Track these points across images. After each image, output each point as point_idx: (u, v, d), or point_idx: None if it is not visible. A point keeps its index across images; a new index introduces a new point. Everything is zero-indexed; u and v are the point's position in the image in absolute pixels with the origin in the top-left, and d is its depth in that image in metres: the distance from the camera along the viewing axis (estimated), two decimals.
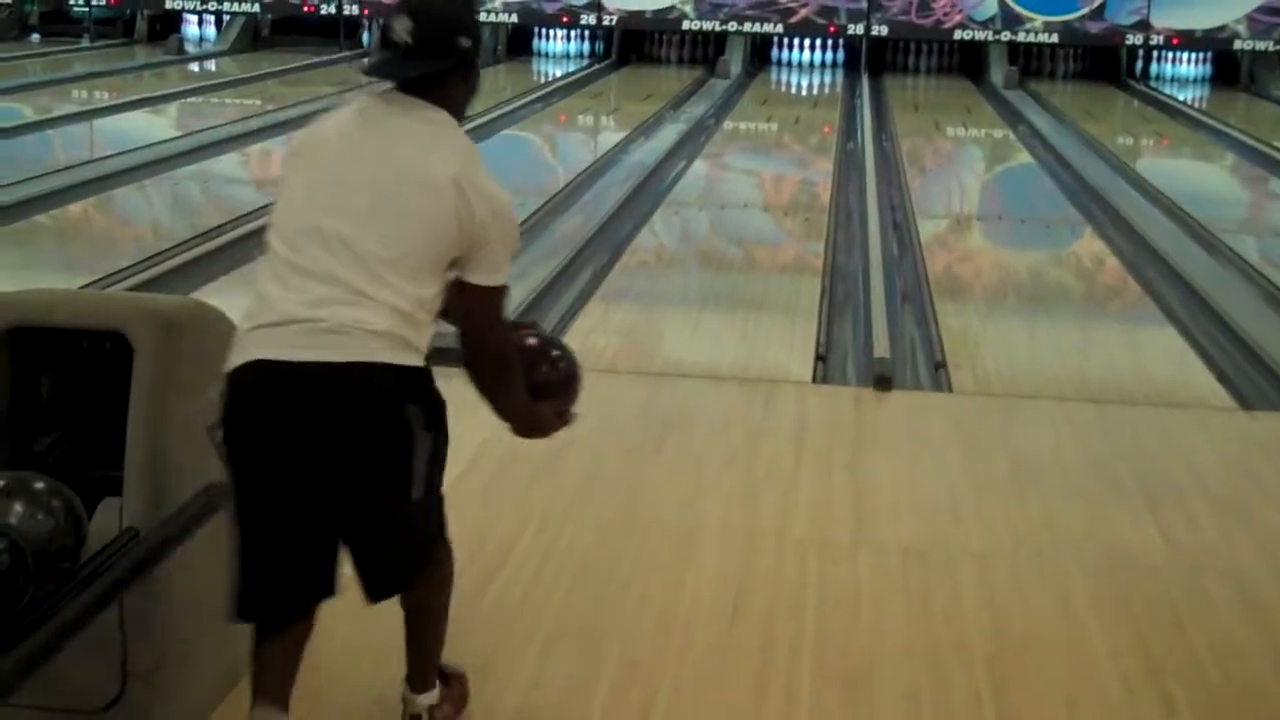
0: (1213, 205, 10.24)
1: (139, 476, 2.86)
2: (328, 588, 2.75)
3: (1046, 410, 5.44)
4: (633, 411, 5.23)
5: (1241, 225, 9.98)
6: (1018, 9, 17.73)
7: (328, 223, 2.65)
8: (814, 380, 5.83)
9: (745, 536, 4.14)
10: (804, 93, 17.24)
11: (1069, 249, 9.01)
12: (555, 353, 3.04)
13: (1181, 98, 17.02)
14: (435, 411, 2.74)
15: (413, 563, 2.83)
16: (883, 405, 5.46)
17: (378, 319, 2.60)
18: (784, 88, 17.39)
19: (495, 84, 17.53)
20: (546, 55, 19.26)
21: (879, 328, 6.42)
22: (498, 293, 2.73)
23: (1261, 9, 17.47)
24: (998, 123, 14.65)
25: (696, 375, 5.77)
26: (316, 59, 17.94)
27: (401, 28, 2.69)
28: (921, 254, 8.25)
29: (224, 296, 6.80)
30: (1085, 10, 17.66)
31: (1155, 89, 17.61)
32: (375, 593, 2.78)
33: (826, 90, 17.03)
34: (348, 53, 18.85)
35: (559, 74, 18.04)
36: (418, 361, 2.68)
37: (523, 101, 14.76)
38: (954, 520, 4.32)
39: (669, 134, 12.83)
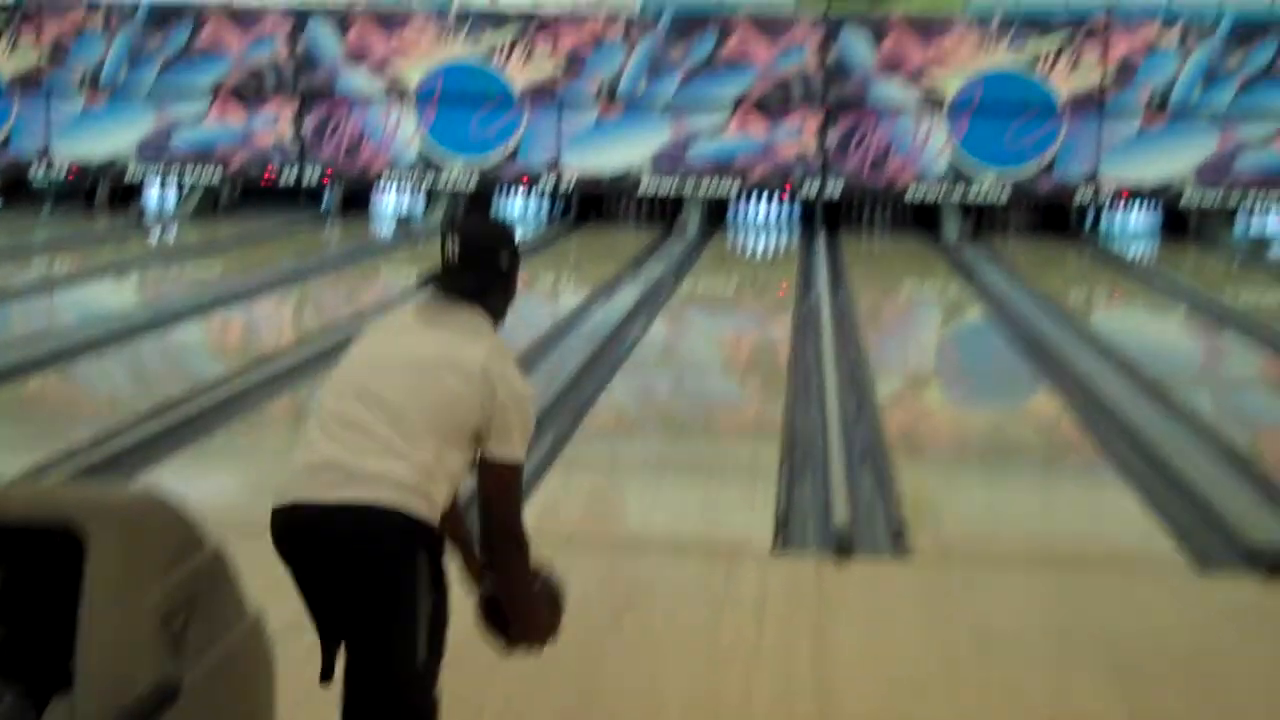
0: (1166, 359, 10.37)
1: (90, 674, 2.83)
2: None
3: (1007, 577, 5.44)
4: (593, 585, 5.20)
5: (1195, 379, 10.11)
6: (969, 167, 18.08)
7: (372, 385, 3.17)
8: (775, 547, 5.82)
9: (710, 716, 4.10)
10: (761, 252, 17.47)
11: (1025, 406, 9.08)
12: (544, 573, 3.39)
13: (1132, 251, 17.31)
14: (440, 572, 3.16)
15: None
16: (844, 574, 5.46)
17: (404, 471, 3.08)
18: (741, 247, 17.61)
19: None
20: (506, 217, 19.45)
21: (838, 491, 6.43)
22: (511, 469, 3.17)
23: (1207, 164, 17.86)
24: (952, 279, 14.85)
25: (657, 544, 5.76)
26: (278, 227, 18.08)
27: (451, 246, 3.33)
28: (879, 413, 8.30)
29: (184, 472, 6.81)
30: (1035, 167, 18.01)
31: (1106, 243, 17.91)
32: None
33: (783, 249, 17.26)
34: (309, 219, 19.01)
35: (518, 234, 18.18)
36: (432, 518, 3.12)
37: None
38: (917, 694, 4.29)
39: (628, 295, 12.94)
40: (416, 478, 3.08)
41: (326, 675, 3.19)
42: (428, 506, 3.10)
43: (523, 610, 3.32)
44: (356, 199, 19.59)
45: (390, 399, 3.13)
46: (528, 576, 3.29)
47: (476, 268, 3.33)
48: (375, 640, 3.11)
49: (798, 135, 18.25)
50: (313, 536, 3.12)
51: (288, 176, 18.98)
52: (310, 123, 18.86)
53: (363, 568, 3.07)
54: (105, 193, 19.57)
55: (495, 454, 3.16)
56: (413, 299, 3.35)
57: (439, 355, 3.19)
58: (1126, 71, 17.74)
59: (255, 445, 7.56)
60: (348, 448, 3.11)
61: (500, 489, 3.18)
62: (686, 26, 18.15)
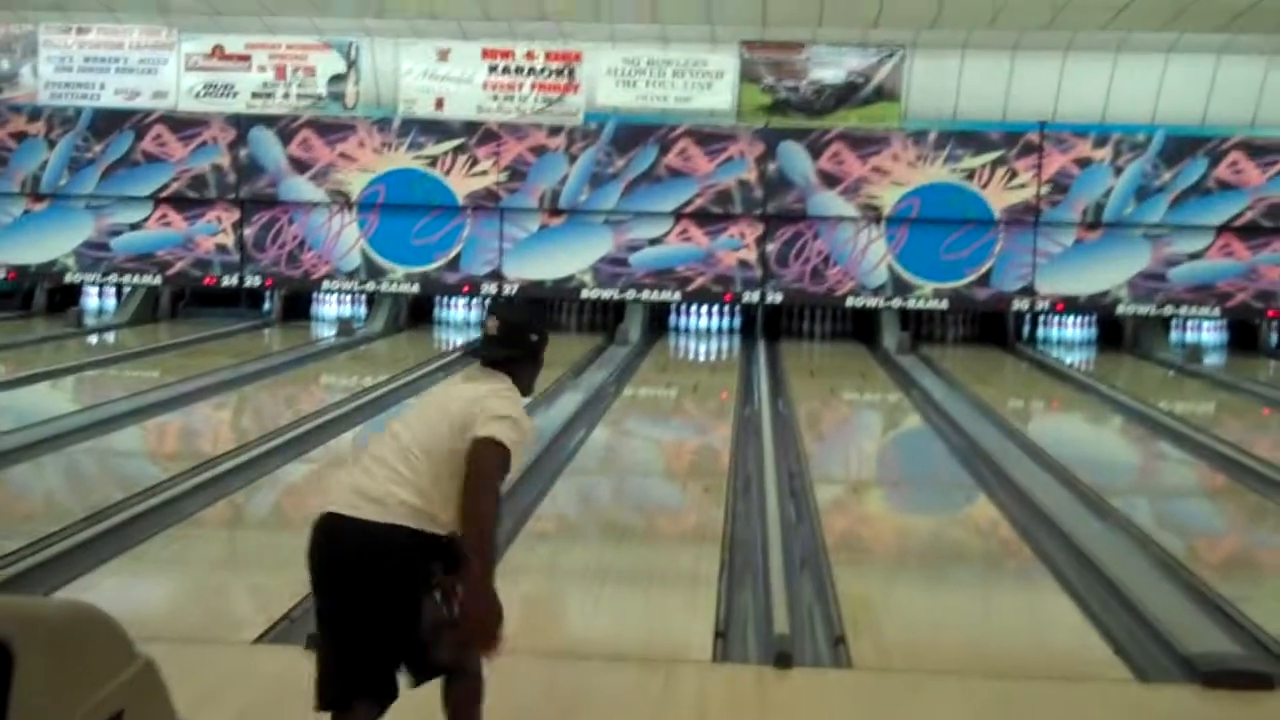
0: (1102, 469, 10.44)
1: None
2: (383, 692, 3.87)
3: (948, 687, 5.42)
4: (534, 693, 5.15)
5: (1131, 487, 10.17)
6: (907, 277, 18.28)
7: (398, 429, 4.01)
8: (715, 656, 5.78)
9: None
10: (702, 359, 17.55)
11: (964, 514, 9.11)
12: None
13: (1068, 361, 17.51)
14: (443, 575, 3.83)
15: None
16: (784, 684, 5.42)
17: (406, 494, 3.83)
18: (682, 354, 17.68)
19: (396, 352, 17.70)
20: (447, 324, 19.50)
21: (778, 599, 6.40)
22: (486, 444, 3.82)
23: (1142, 274, 18.15)
24: (891, 387, 14.96)
25: (598, 652, 5.71)
26: (217, 331, 18.01)
27: (491, 325, 4.16)
28: (819, 520, 8.29)
29: (118, 579, 6.70)
30: (973, 277, 18.24)
31: (1043, 352, 18.12)
32: (416, 676, 3.96)
33: (724, 356, 17.34)
34: (249, 324, 18.97)
35: (459, 342, 18.24)
36: (438, 530, 3.84)
37: (424, 370, 14.84)
38: None
39: (569, 401, 12.93)
40: (418, 501, 3.82)
41: (324, 703, 3.87)
42: (429, 522, 3.82)
43: (476, 600, 3.80)
44: (298, 305, 19.58)
45: (403, 437, 3.94)
46: (487, 559, 3.80)
47: (509, 344, 4.12)
48: (377, 627, 3.80)
49: (739, 244, 18.42)
50: (334, 541, 3.86)
51: (229, 282, 18.94)
52: (252, 229, 18.86)
53: (368, 569, 3.79)
54: (43, 295, 19.45)
55: (474, 434, 3.85)
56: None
57: (453, 399, 3.99)
58: (1060, 186, 18.05)
59: (189, 552, 7.46)
60: (370, 476, 3.90)
61: (474, 462, 3.81)
62: (629, 138, 18.36)
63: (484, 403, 3.92)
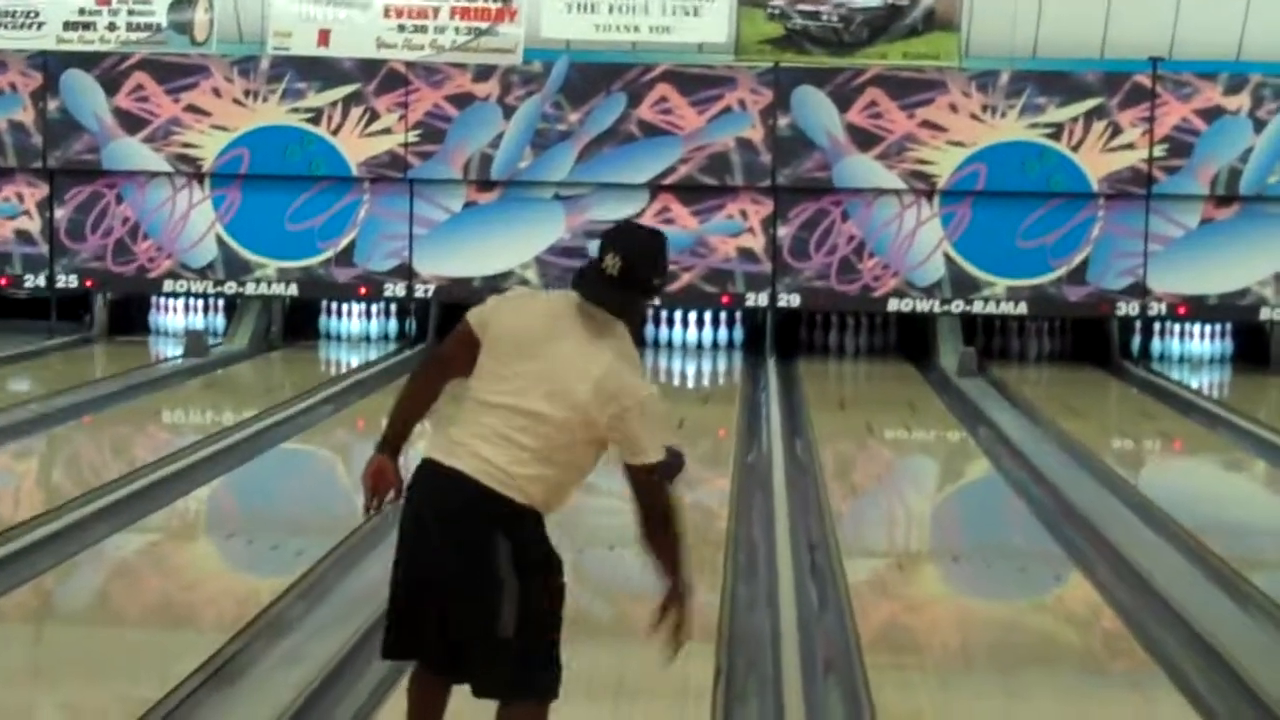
0: (1240, 535, 10.47)
1: None
2: (451, 667, 5.07)
3: None
4: None
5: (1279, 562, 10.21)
6: (972, 270, 18.35)
7: (516, 388, 4.94)
8: None
9: None
10: (691, 384, 17.54)
11: (1052, 599, 9.12)
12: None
13: (1195, 385, 17.57)
14: (530, 559, 4.95)
15: (504, 685, 4.99)
16: None
17: (500, 458, 4.88)
18: (665, 378, 17.67)
19: (269, 379, 17.66)
20: (338, 339, 19.49)
21: (794, 714, 6.40)
22: (650, 470, 4.90)
23: None
24: (951, 423, 14.99)
25: None
26: (17, 351, 17.94)
27: (612, 263, 4.89)
28: (850, 608, 8.30)
29: None
30: (1062, 271, 18.31)
31: (1159, 373, 18.17)
32: (476, 689, 5.07)
33: (721, 380, 17.34)
34: (64, 340, 18.89)
35: (355, 363, 18.21)
36: (524, 501, 4.91)
37: (306, 403, 14.81)
38: None
39: None
40: (513, 466, 4.87)
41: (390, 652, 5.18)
42: (518, 493, 4.88)
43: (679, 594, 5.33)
44: (130, 314, 19.51)
45: (512, 402, 4.91)
46: (678, 563, 5.21)
47: (633, 286, 4.93)
48: (464, 601, 4.93)
49: (739, 228, 18.46)
50: (439, 485, 4.97)
51: (34, 282, 18.88)
52: (65, 210, 18.82)
53: (455, 529, 4.92)
54: None
55: (631, 460, 4.91)
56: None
57: (592, 361, 4.87)
58: (1180, 146, 18.13)
59: None
60: (473, 433, 4.95)
61: (649, 491, 4.96)
62: (586, 83, 18.42)
63: (626, 382, 4.87)
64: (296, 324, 19.55)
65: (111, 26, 18.21)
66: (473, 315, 5.09)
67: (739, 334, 19.08)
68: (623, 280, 4.87)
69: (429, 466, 4.99)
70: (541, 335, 4.92)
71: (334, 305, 19.52)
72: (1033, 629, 8.48)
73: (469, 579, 4.88)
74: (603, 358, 4.85)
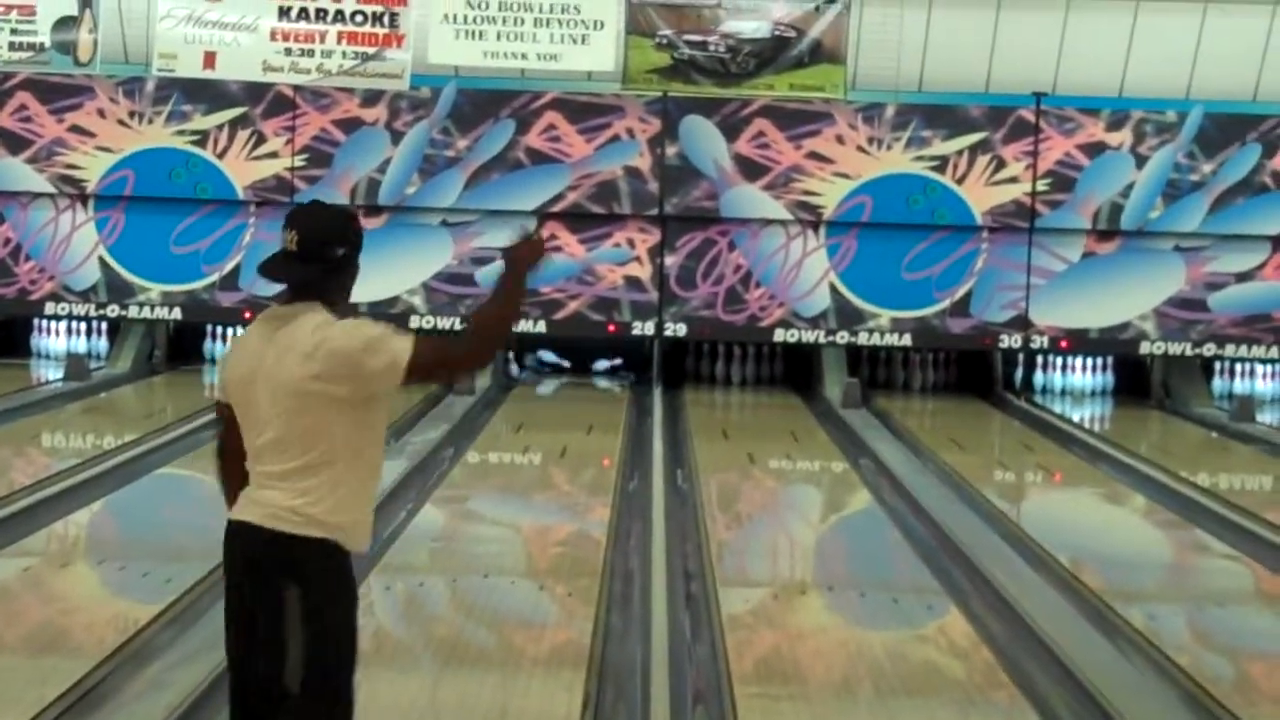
0: (1118, 568, 10.54)
1: None
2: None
3: None
4: None
5: (1158, 594, 10.26)
6: (857, 302, 18.40)
7: (250, 435, 4.84)
8: None
9: None
10: (575, 413, 17.49)
11: (929, 631, 9.12)
12: None
13: (1076, 418, 17.69)
14: (317, 602, 4.71)
15: None
16: None
17: (281, 497, 4.76)
18: (547, 407, 17.62)
19: (150, 404, 17.50)
20: None
21: None
22: (412, 354, 4.69)
23: (1174, 301, 18.39)
24: (834, 453, 15.02)
25: None
26: None
27: (289, 238, 4.85)
28: (724, 638, 8.27)
29: None
30: (946, 303, 18.40)
31: (1041, 406, 18.29)
32: None
33: (606, 409, 17.31)
34: None
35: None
36: (317, 535, 4.73)
37: (187, 428, 14.65)
38: None
39: (390, 470, 12.81)
40: (284, 500, 4.74)
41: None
42: (314, 528, 4.72)
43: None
44: (10, 336, 19.31)
45: (258, 443, 4.80)
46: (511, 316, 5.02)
47: (312, 259, 4.83)
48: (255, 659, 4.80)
49: (626, 256, 18.46)
50: (231, 549, 4.94)
51: None
52: None
53: (251, 585, 4.84)
54: None
55: (392, 365, 4.70)
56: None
57: (280, 363, 4.72)
58: (1063, 181, 18.27)
59: None
60: (253, 483, 4.86)
61: (430, 369, 4.82)
62: (474, 109, 18.41)
63: (330, 333, 4.72)
64: (181, 348, 19.39)
65: None
66: (217, 390, 5.08)
67: (624, 361, 19.02)
68: (301, 254, 4.83)
69: (228, 527, 4.94)
70: (253, 361, 4.81)
71: (218, 329, 19.35)
72: (911, 661, 8.47)
73: (262, 639, 4.76)
74: (301, 335, 4.73)
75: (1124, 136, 18.26)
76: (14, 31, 17.94)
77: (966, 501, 12.48)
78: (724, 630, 8.43)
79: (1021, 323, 18.43)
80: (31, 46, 17.93)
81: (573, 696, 7.17)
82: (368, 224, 18.28)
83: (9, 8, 17.89)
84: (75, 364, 17.93)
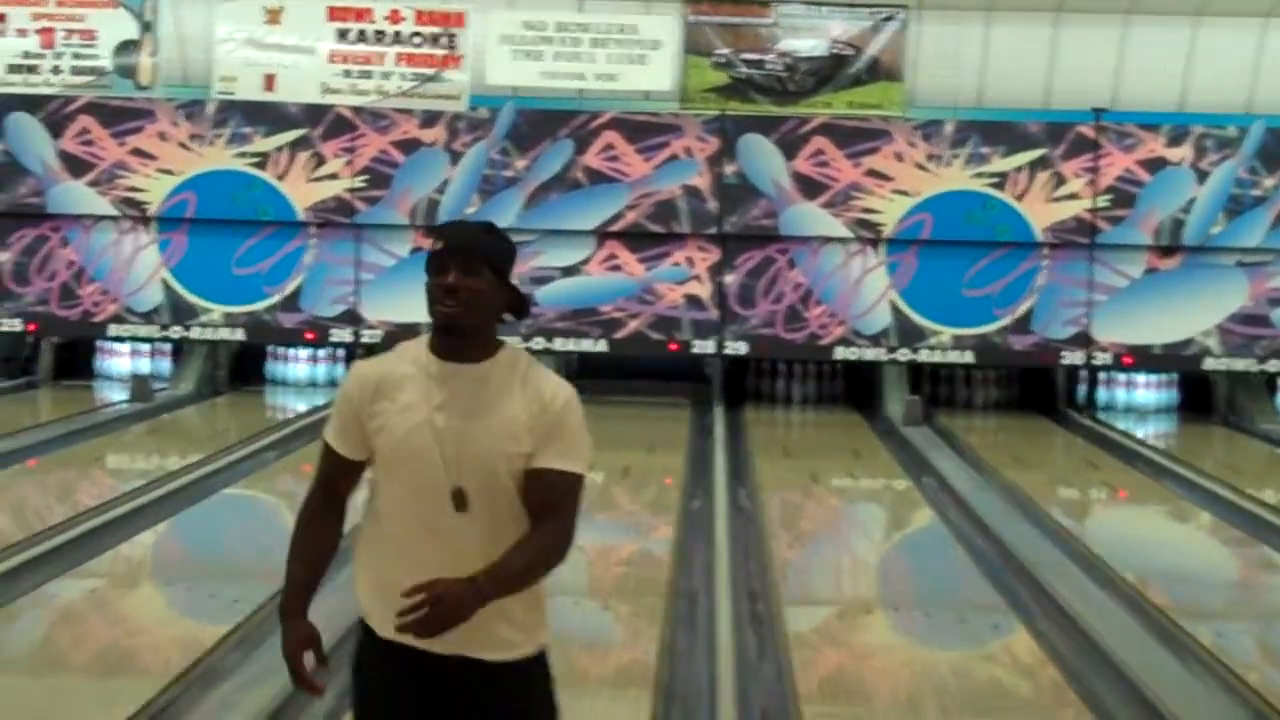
0: (1181, 585, 10.50)
1: None
2: None
3: None
4: None
5: (1225, 612, 10.21)
6: (918, 320, 18.38)
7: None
8: None
9: None
10: (636, 432, 17.47)
11: (994, 650, 9.11)
12: None
13: (1140, 434, 17.60)
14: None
15: None
16: None
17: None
18: (610, 423, 17.64)
19: (214, 424, 17.59)
20: (283, 384, 19.41)
21: None
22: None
23: (1237, 317, 18.30)
24: (896, 472, 15.00)
25: None
26: None
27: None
28: (790, 658, 8.28)
29: None
30: (1007, 320, 18.35)
31: (1104, 423, 18.21)
32: None
33: (666, 428, 17.31)
34: (7, 384, 18.82)
35: (301, 409, 18.13)
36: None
37: (250, 449, 14.75)
38: None
39: None
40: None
41: None
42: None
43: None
44: (75, 358, 19.43)
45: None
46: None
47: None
48: None
49: (686, 275, 18.48)
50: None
51: None
52: (9, 253, 18.74)
53: None
54: None
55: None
56: None
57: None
58: (1124, 197, 18.21)
59: None
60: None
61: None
62: (533, 129, 18.44)
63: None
64: (242, 369, 19.47)
65: (56, 70, 18.15)
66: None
67: (688, 380, 19.01)
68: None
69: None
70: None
71: (280, 350, 19.45)
72: (973, 680, 8.46)
73: None
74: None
75: (1185, 152, 18.19)
76: (76, 56, 18.14)
77: (1031, 519, 12.45)
78: (790, 649, 8.45)
79: (1084, 339, 18.38)
80: (93, 70, 18.12)
81: (639, 716, 7.19)
82: (427, 244, 18.35)
83: (70, 33, 18.08)
84: (139, 385, 18.02)
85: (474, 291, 4.31)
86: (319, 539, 4.60)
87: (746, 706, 7.32)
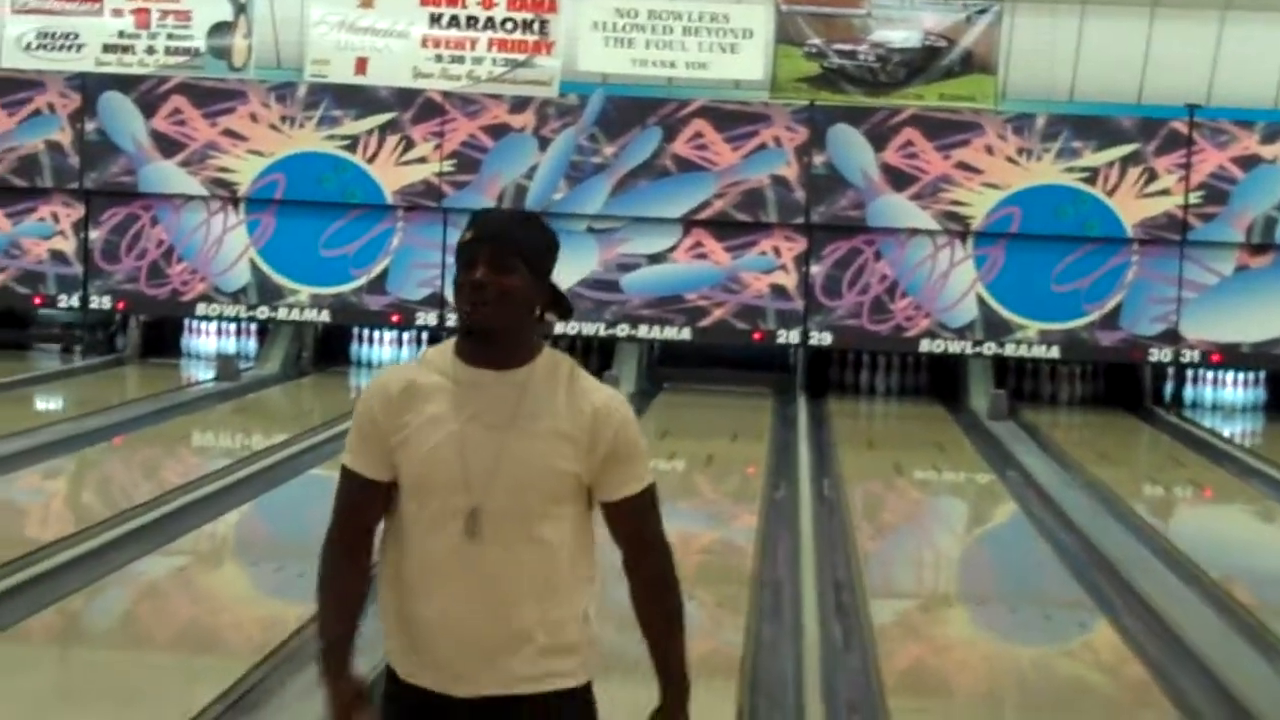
0: (1268, 585, 10.44)
1: None
2: None
3: None
4: None
5: None
6: (1004, 314, 18.33)
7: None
8: None
9: None
10: (719, 421, 17.50)
11: (1079, 645, 9.12)
12: None
13: (1226, 433, 17.52)
14: None
15: None
16: None
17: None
18: (692, 411, 17.67)
19: (299, 404, 17.71)
20: (367, 366, 19.52)
21: None
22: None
23: None
24: (980, 465, 14.97)
25: None
26: (49, 372, 17.98)
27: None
28: (876, 649, 8.31)
29: None
30: (1095, 315, 18.28)
31: (1191, 420, 18.12)
32: None
33: (749, 417, 17.33)
34: (94, 362, 19.01)
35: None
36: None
37: (336, 429, 14.80)
38: None
39: None
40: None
41: None
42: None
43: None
44: (162, 336, 19.59)
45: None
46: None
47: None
48: None
49: (772, 265, 18.49)
50: None
51: (67, 303, 18.98)
52: (100, 231, 18.92)
53: None
54: None
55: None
56: None
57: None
58: (1216, 194, 18.11)
59: (13, 671, 7.45)
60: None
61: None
62: (622, 117, 18.46)
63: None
64: (327, 350, 19.59)
65: (150, 50, 18.32)
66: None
67: (771, 369, 19.03)
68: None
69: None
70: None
71: (365, 332, 19.58)
72: (1060, 676, 8.47)
73: None
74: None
75: (1279, 150, 18.08)
76: (170, 36, 18.31)
77: (1115, 516, 12.42)
78: (875, 641, 8.47)
79: (1172, 336, 18.29)
80: (187, 51, 18.27)
81: (725, 707, 7.22)
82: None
83: (166, 14, 18.24)
84: (226, 365, 18.16)
85: (505, 289, 3.82)
86: (347, 585, 3.96)
87: (833, 699, 7.34)
